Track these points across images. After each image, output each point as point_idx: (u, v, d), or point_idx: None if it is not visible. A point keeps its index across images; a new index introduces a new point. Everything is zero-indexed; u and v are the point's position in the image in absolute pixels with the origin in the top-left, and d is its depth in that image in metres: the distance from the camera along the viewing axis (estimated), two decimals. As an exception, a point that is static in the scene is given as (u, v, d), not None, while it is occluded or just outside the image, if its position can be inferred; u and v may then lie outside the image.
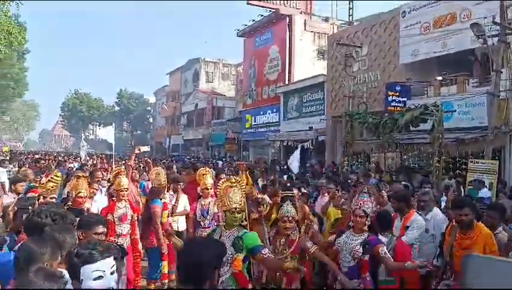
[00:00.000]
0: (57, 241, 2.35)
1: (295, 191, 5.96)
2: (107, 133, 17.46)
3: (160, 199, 6.17)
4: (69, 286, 1.99)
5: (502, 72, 11.98)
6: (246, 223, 3.78)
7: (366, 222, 3.89)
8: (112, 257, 2.10)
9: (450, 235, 4.21)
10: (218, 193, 3.87)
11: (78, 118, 68.80)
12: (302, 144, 19.24)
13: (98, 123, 71.53)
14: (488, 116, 12.16)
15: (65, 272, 2.06)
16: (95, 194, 5.94)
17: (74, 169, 11.92)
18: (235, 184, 3.75)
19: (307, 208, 5.71)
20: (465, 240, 4.02)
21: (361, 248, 3.78)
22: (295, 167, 13.54)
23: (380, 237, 4.03)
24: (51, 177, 4.74)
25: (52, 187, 4.63)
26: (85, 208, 4.64)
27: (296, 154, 13.67)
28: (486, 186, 10.23)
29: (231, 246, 3.47)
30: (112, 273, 2.08)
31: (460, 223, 4.08)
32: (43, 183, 4.96)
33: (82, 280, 2.01)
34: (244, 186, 4.18)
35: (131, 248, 5.46)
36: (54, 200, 4.77)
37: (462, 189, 10.49)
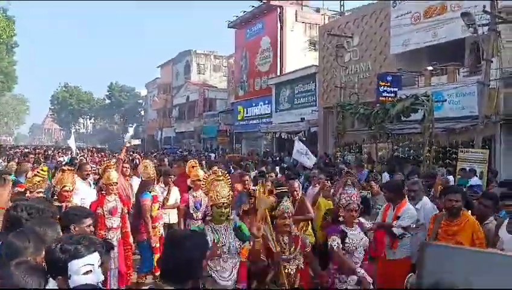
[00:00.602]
0: (39, 236, 2.30)
1: (296, 183, 5.97)
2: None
3: (150, 192, 6.15)
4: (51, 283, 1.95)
5: (492, 62, 12.01)
6: (231, 218, 3.69)
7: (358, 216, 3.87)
8: (97, 252, 2.07)
9: (434, 223, 4.23)
10: (204, 186, 3.78)
11: (68, 112, 68.25)
12: (298, 135, 19.06)
13: (88, 117, 71.01)
14: (478, 106, 12.21)
15: None
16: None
17: (63, 163, 11.80)
18: (221, 178, 3.65)
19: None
20: (452, 227, 4.04)
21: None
22: (307, 160, 11.33)
23: (361, 219, 4.13)
24: (37, 172, 4.68)
25: (39, 181, 4.57)
26: (63, 205, 4.53)
27: (298, 146, 11.77)
28: (476, 175, 10.30)
29: (235, 238, 3.47)
30: (99, 266, 2.06)
31: (450, 209, 4.09)
32: (29, 178, 4.90)
33: (70, 275, 1.97)
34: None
35: (122, 242, 5.43)
36: (41, 194, 4.72)
37: (452, 178, 10.53)
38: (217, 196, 3.49)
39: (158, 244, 5.91)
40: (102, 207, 5.24)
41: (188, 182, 6.86)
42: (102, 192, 5.53)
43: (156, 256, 5.86)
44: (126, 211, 5.56)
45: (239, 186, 6.79)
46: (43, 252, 2.11)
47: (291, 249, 3.61)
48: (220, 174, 3.73)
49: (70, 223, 3.09)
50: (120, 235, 5.41)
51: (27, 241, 2.17)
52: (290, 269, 3.56)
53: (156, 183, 6.74)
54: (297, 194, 5.77)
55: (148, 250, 5.93)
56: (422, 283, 0.43)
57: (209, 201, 3.55)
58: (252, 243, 3.41)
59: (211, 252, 3.14)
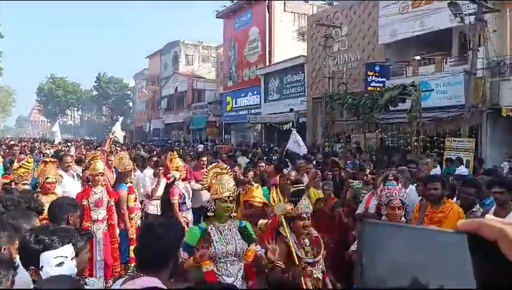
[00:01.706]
0: (13, 226, 2.27)
1: (293, 173, 5.99)
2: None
3: (126, 184, 6.15)
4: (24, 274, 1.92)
5: (478, 51, 12.10)
6: (235, 214, 3.39)
7: (403, 213, 3.52)
8: (71, 243, 2.05)
9: (420, 211, 4.27)
10: (205, 179, 3.50)
11: (55, 103, 67.27)
12: (291, 128, 19.10)
13: (76, 108, 70.17)
14: (465, 95, 12.32)
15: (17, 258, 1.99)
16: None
17: (50, 155, 11.65)
18: (225, 171, 3.43)
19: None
20: (437, 213, 4.09)
21: None
22: (301, 148, 11.78)
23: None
24: (22, 163, 4.62)
25: (24, 173, 4.52)
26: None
27: (294, 138, 12.29)
28: (463, 164, 10.43)
29: (241, 239, 3.19)
30: (72, 259, 2.03)
31: (429, 197, 4.14)
32: (15, 169, 4.83)
33: (42, 266, 1.93)
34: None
35: (108, 234, 5.38)
36: (26, 186, 4.66)
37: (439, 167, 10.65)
38: (222, 188, 3.21)
39: (134, 236, 5.87)
40: (87, 199, 5.19)
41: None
42: (89, 183, 5.48)
43: (132, 247, 5.79)
44: (113, 203, 5.51)
45: None
46: (17, 242, 2.08)
47: (315, 252, 3.37)
48: (224, 166, 3.53)
49: (65, 214, 3.09)
50: (106, 228, 5.36)
51: (1, 230, 2.14)
52: (316, 274, 3.31)
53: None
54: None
55: (125, 241, 5.90)
56: (362, 263, 0.42)
57: (213, 195, 3.26)
58: (268, 265, 3.10)
59: (201, 254, 2.88)
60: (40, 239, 1.96)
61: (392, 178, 3.60)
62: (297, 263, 3.19)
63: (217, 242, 3.07)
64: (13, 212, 2.56)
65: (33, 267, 1.93)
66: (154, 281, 1.75)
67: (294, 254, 3.22)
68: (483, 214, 4.30)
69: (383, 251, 0.47)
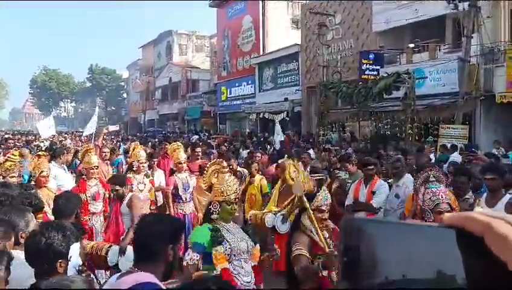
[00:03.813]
0: (8, 222, 2.27)
1: (289, 161, 5.98)
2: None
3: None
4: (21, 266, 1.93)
5: (472, 37, 12.08)
6: (237, 215, 3.30)
7: None
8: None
9: (413, 200, 4.30)
10: (205, 177, 3.30)
11: (48, 96, 66.67)
12: (283, 118, 19.39)
13: (69, 100, 69.61)
14: (459, 82, 12.33)
15: (20, 254, 2.00)
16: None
17: (43, 148, 11.60)
18: (226, 169, 3.28)
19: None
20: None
21: None
22: (277, 141, 13.47)
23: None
24: (8, 157, 4.60)
25: (11, 166, 4.51)
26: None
27: (277, 129, 13.62)
28: (457, 151, 10.47)
29: (247, 239, 3.07)
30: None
31: None
32: (1, 163, 4.82)
33: (71, 257, 2.01)
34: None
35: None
36: (14, 179, 4.64)
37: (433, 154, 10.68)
38: (228, 190, 3.03)
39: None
40: (85, 193, 5.20)
41: (171, 164, 6.86)
42: (83, 177, 5.47)
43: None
44: (108, 195, 5.51)
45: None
46: (12, 238, 2.10)
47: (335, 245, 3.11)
48: (224, 164, 3.38)
49: (76, 208, 3.14)
50: (103, 220, 5.37)
51: None
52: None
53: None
54: None
55: None
56: (344, 260, 0.42)
57: (217, 196, 3.05)
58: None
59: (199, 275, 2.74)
60: (74, 230, 2.07)
61: (434, 179, 3.24)
62: (327, 249, 2.95)
63: (231, 239, 2.95)
64: (6, 208, 2.56)
65: (61, 260, 1.98)
66: (148, 276, 1.76)
67: (322, 239, 3.00)
68: (475, 200, 4.34)
69: (366, 248, 0.46)
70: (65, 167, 6.43)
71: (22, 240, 2.23)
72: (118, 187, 4.61)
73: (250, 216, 4.23)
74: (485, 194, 4.21)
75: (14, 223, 2.32)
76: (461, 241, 0.46)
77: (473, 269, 0.44)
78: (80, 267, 2.06)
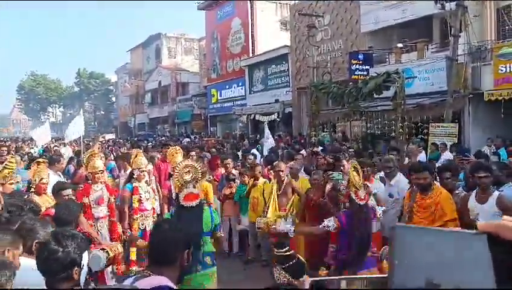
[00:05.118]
0: (17, 231, 2.28)
1: (282, 164, 6.02)
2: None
3: (132, 183, 6.09)
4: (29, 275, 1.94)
5: (459, 37, 12.24)
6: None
7: None
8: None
9: (410, 198, 4.37)
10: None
11: (36, 101, 65.98)
12: (274, 119, 19.48)
13: (57, 105, 68.95)
14: (447, 81, 12.48)
15: (32, 263, 2.02)
16: None
17: (36, 154, 11.54)
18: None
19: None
20: (426, 200, 4.20)
21: None
22: (268, 145, 13.40)
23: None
24: (5, 164, 4.57)
25: (9, 174, 4.48)
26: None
27: (266, 134, 13.80)
28: (447, 149, 10.60)
29: None
30: None
31: (419, 186, 4.25)
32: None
33: (83, 265, 2.11)
34: None
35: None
36: (14, 185, 4.61)
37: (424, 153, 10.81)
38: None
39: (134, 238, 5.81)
40: (88, 197, 5.19)
41: (169, 168, 6.88)
42: (89, 181, 5.46)
43: (133, 249, 5.75)
44: (113, 200, 5.50)
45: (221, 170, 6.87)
46: (20, 247, 2.11)
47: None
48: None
49: (76, 216, 3.28)
50: (108, 225, 5.35)
51: (3, 234, 2.16)
52: None
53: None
54: (284, 175, 5.78)
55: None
56: (394, 264, 0.46)
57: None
58: None
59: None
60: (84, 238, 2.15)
61: None
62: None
63: None
64: (30, 216, 2.60)
65: (77, 268, 2.04)
66: (163, 280, 1.82)
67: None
68: (464, 197, 4.46)
69: (412, 252, 0.51)
70: (60, 174, 6.40)
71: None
72: None
73: (260, 224, 4.38)
74: (475, 191, 4.31)
75: (37, 232, 2.34)
76: (494, 247, 0.51)
77: (505, 272, 0.49)
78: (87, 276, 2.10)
